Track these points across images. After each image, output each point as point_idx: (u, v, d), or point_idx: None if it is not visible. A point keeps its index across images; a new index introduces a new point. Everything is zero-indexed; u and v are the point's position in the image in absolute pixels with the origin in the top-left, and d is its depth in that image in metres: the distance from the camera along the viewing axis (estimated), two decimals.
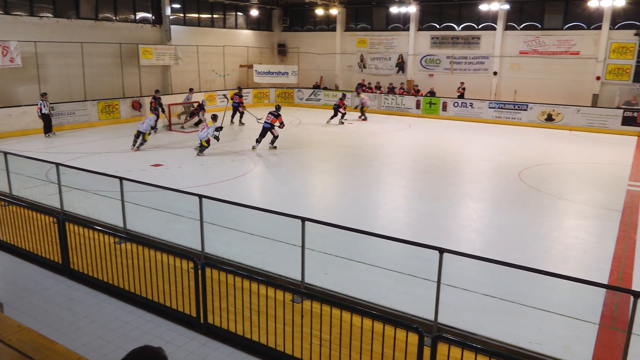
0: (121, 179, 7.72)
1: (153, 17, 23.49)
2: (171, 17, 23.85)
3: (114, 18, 21.80)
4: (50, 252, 6.99)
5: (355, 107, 24.03)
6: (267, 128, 15.28)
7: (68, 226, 6.84)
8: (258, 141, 15.36)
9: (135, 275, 6.00)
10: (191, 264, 5.40)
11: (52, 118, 17.79)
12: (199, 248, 6.99)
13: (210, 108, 21.86)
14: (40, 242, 7.12)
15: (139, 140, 15.18)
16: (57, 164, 8.68)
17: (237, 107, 20.61)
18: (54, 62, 19.44)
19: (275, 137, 15.42)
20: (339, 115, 21.28)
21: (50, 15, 19.42)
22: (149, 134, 15.49)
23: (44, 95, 16.97)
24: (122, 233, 7.64)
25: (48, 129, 17.21)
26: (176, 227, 8.39)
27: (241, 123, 20.57)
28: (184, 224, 8.36)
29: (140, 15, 23.01)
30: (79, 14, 20.35)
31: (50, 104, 18.36)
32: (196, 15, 25.92)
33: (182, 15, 25.07)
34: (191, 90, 22.16)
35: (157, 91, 20.23)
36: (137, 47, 22.00)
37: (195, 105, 20.09)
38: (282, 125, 15.57)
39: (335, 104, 21.59)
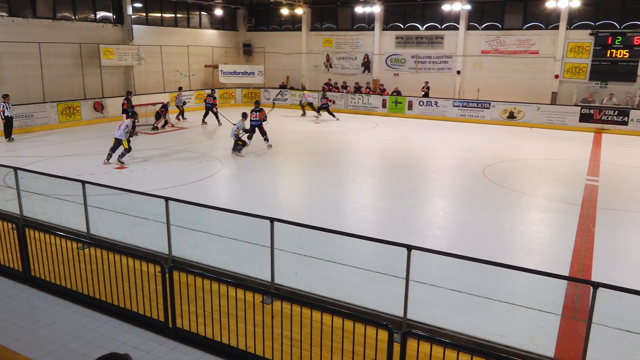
0: (83, 182, 7.52)
1: (114, 17, 22.95)
2: (133, 17, 23.36)
3: (73, 17, 21.20)
4: (9, 259, 6.75)
5: (300, 104, 24.51)
6: (255, 126, 15.54)
7: (28, 232, 6.61)
8: (250, 138, 15.67)
9: (100, 281, 5.86)
10: (158, 268, 5.31)
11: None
12: (166, 251, 6.87)
13: (175, 109, 21.47)
14: None
15: (121, 151, 13.22)
16: (15, 168, 8.38)
17: (211, 107, 20.43)
18: (10, 63, 18.76)
19: (265, 133, 15.68)
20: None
21: (5, 14, 18.73)
22: (128, 140, 13.28)
23: (5, 97, 16.29)
24: (86, 238, 7.45)
25: (10, 132, 16.57)
26: (142, 231, 8.22)
27: (219, 123, 20.37)
28: (151, 227, 8.20)
29: (100, 14, 22.45)
30: (36, 13, 19.71)
31: None
32: (159, 14, 25.46)
33: (144, 14, 24.58)
34: (180, 88, 22.19)
35: (129, 92, 19.55)
36: (98, 47, 21.47)
37: (159, 106, 19.72)
38: (265, 119, 15.80)
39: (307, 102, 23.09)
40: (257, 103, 16.36)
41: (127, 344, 5.21)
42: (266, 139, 15.63)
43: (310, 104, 23.57)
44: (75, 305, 5.99)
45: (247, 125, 14.97)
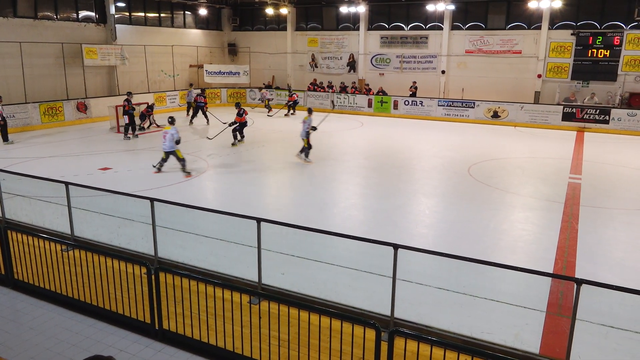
0: (67, 183, 7.43)
1: (97, 16, 22.68)
2: (116, 16, 23.11)
3: (55, 17, 20.90)
4: None
5: (261, 102, 25.01)
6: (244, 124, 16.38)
7: (11, 234, 6.51)
8: (242, 136, 16.58)
9: (85, 283, 5.79)
10: (144, 269, 5.26)
11: None
12: (152, 253, 6.81)
13: (161, 109, 21.32)
14: None
15: (177, 163, 12.57)
16: None
17: (202, 107, 20.47)
18: None
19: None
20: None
21: None
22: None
23: None
24: (70, 240, 7.36)
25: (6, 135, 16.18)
26: (127, 232, 8.15)
27: (208, 122, 20.49)
28: (136, 229, 8.12)
29: (83, 13, 22.17)
30: (17, 12, 19.39)
31: None
32: (142, 14, 25.22)
33: (127, 14, 24.32)
34: (191, 85, 22.30)
35: (129, 93, 18.20)
36: (81, 46, 21.20)
37: (144, 107, 19.52)
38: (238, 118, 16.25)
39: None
40: (238, 104, 16.49)
41: (113, 346, 5.16)
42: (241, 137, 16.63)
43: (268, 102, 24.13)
44: (60, 308, 5.92)
45: (315, 122, 14.22)
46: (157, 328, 5.30)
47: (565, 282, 6.55)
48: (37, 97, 19.72)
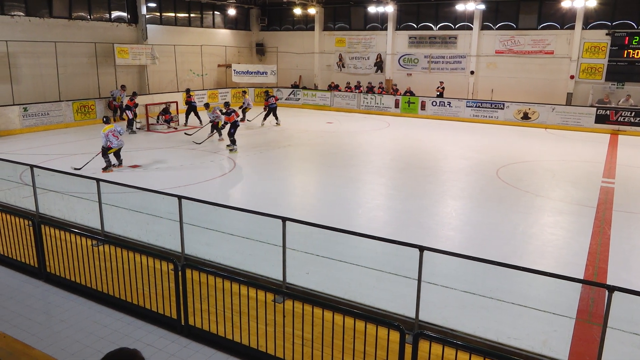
0: (98, 180, 7.61)
1: (129, 16, 23.15)
2: (147, 16, 23.53)
3: (89, 17, 21.42)
4: (25, 255, 6.84)
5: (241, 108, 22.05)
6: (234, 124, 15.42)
7: (44, 229, 6.70)
8: (233, 140, 15.40)
9: (114, 278, 5.92)
10: (171, 266, 5.34)
11: (24, 119, 17.44)
12: (179, 249, 6.92)
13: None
14: (16, 246, 6.96)
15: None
16: (32, 166, 8.50)
17: (195, 107, 20.36)
18: (27, 62, 19.01)
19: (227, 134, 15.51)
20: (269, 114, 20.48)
21: (22, 14, 18.97)
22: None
23: None
24: (100, 235, 7.53)
25: None
26: (155, 229, 8.29)
27: (201, 123, 20.15)
28: (164, 226, 8.26)
29: (115, 14, 22.66)
30: (52, 12, 19.94)
31: (23, 104, 18.06)
32: (173, 14, 25.63)
33: (158, 14, 24.75)
34: (244, 92, 22.52)
35: (134, 93, 19.64)
36: (113, 46, 21.66)
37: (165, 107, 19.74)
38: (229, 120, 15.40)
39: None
40: (227, 104, 16.36)
41: (140, 340, 5.26)
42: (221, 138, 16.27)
43: (244, 110, 20.80)
44: (90, 301, 6.06)
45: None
46: (183, 324, 5.37)
47: (597, 288, 6.38)
48: (70, 95, 20.25)
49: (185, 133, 17.73)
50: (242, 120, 20.14)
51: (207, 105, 17.48)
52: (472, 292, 6.29)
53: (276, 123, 20.43)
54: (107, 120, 12.58)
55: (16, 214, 7.36)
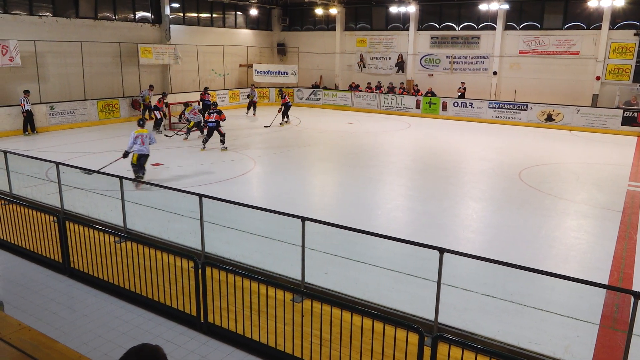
0: (121, 178, 7.72)
1: (152, 17, 23.48)
2: (171, 17, 23.83)
3: (114, 17, 21.78)
4: (50, 250, 6.99)
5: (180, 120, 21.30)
6: (213, 127, 15.02)
7: (68, 225, 6.84)
8: (205, 141, 15.25)
9: (136, 274, 6.00)
10: (191, 263, 5.40)
11: (51, 117, 17.82)
12: (199, 247, 6.99)
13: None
14: (41, 241, 7.12)
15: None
16: (57, 163, 8.68)
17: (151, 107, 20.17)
18: (54, 61, 19.43)
19: (224, 135, 15.12)
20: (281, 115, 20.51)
21: (49, 14, 19.39)
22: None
23: (26, 92, 17.08)
24: (122, 232, 7.65)
25: (31, 126, 17.34)
26: (176, 227, 8.39)
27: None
28: (184, 223, 8.36)
29: (139, 14, 23.00)
30: (78, 13, 20.34)
31: (50, 103, 18.45)
32: (195, 14, 25.91)
33: (181, 14, 25.06)
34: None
35: (164, 94, 19.75)
36: (137, 46, 21.99)
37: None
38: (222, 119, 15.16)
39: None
40: (215, 104, 15.97)
41: (160, 336, 5.32)
42: (222, 140, 15.08)
43: (198, 124, 17.53)
44: (112, 297, 6.17)
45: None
46: (202, 321, 5.42)
47: (621, 294, 6.23)
48: (95, 94, 20.62)
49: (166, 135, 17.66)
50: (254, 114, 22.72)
51: (186, 105, 17.97)
52: (493, 296, 6.21)
53: (285, 121, 20.58)
54: (142, 124, 11.64)
55: (42, 210, 7.52)
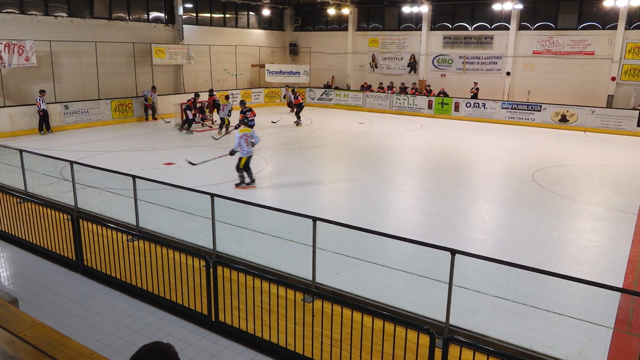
0: (134, 177, 7.78)
1: (166, 17, 23.64)
2: (184, 17, 23.98)
3: (128, 18, 21.98)
4: (64, 248, 7.07)
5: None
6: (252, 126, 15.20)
7: (82, 223, 6.91)
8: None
9: (148, 273, 6.05)
10: (203, 262, 5.43)
11: (65, 117, 18.02)
12: (211, 246, 7.02)
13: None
14: (55, 239, 7.20)
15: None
16: (72, 162, 8.77)
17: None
18: (69, 61, 19.65)
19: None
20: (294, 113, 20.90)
21: (64, 14, 19.62)
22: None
23: (42, 92, 17.29)
24: (135, 231, 7.71)
25: (46, 126, 17.56)
26: (188, 226, 8.43)
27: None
28: (196, 223, 8.40)
29: (153, 14, 23.17)
30: (93, 13, 20.55)
31: (65, 102, 18.66)
32: (208, 14, 26.04)
33: (194, 14, 25.20)
34: (293, 90, 22.97)
35: (196, 94, 19.81)
36: (150, 46, 22.16)
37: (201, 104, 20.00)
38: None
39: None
40: (243, 103, 16.74)
41: (171, 334, 5.36)
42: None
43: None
44: (124, 295, 6.22)
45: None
46: (213, 320, 5.45)
47: (637, 298, 6.14)
48: (109, 94, 20.81)
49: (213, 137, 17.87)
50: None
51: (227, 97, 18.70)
52: (505, 298, 6.16)
53: (297, 122, 20.61)
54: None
55: (56, 208, 7.61)
